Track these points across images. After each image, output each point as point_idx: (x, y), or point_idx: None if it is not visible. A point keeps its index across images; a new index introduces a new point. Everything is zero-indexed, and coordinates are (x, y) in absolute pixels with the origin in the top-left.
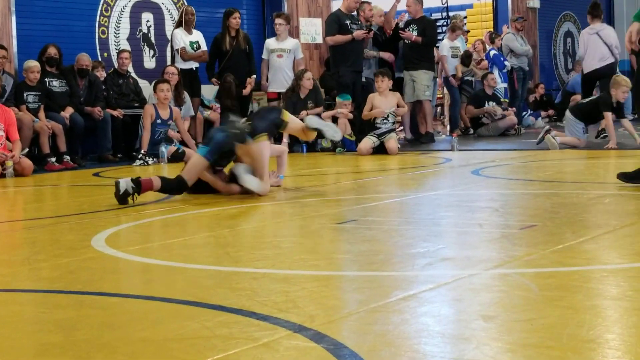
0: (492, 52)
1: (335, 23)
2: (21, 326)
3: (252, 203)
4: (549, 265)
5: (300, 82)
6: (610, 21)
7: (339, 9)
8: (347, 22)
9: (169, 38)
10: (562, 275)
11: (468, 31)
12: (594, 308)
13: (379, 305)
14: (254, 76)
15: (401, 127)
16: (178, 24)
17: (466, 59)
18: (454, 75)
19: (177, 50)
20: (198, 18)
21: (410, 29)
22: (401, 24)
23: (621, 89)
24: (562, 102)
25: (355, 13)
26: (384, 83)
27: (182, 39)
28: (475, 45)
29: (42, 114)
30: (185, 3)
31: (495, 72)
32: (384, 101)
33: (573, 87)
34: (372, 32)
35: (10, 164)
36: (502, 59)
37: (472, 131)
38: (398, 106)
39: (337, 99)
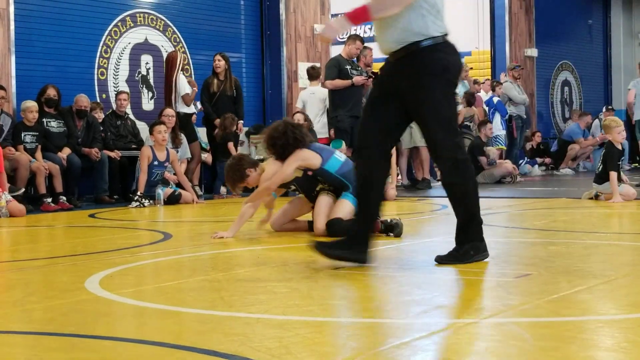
0: (495, 99)
1: (335, 68)
2: None
3: (247, 247)
4: (544, 315)
5: None
6: (606, 45)
7: (340, 54)
8: (348, 67)
9: None
10: (557, 326)
11: (471, 68)
12: (588, 359)
13: (373, 353)
14: (241, 121)
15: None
16: (178, 69)
17: (471, 97)
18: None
19: (182, 96)
20: (197, 61)
21: None
22: None
23: (615, 130)
24: (558, 151)
25: (355, 59)
26: None
27: (185, 85)
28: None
29: (39, 154)
30: (185, 46)
31: (497, 119)
32: None
33: (570, 136)
34: (372, 78)
35: (4, 204)
36: (504, 106)
37: None
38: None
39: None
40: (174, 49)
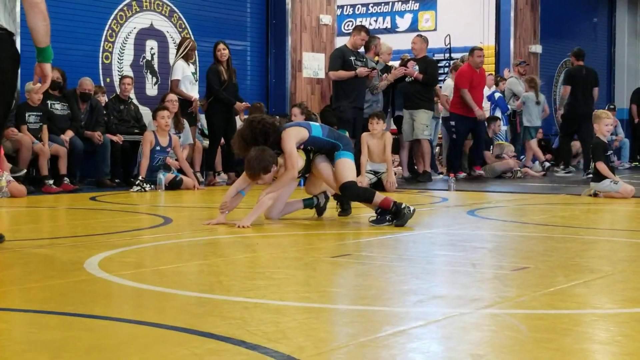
0: (497, 95)
1: (339, 58)
2: (8, 345)
3: (247, 233)
4: (540, 307)
5: (290, 117)
6: (610, 43)
7: (345, 45)
8: (352, 58)
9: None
10: (552, 318)
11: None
12: (582, 352)
13: (369, 340)
14: (245, 102)
15: (399, 166)
16: (179, 56)
17: None
18: None
19: (172, 81)
20: (201, 48)
21: (412, 67)
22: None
23: (603, 121)
24: (559, 147)
25: (362, 50)
26: (379, 126)
27: (184, 70)
28: None
29: (45, 135)
30: (190, 33)
31: (498, 115)
32: (375, 143)
33: None
34: (376, 70)
35: (4, 184)
36: (505, 102)
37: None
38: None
39: None
40: (194, 38)
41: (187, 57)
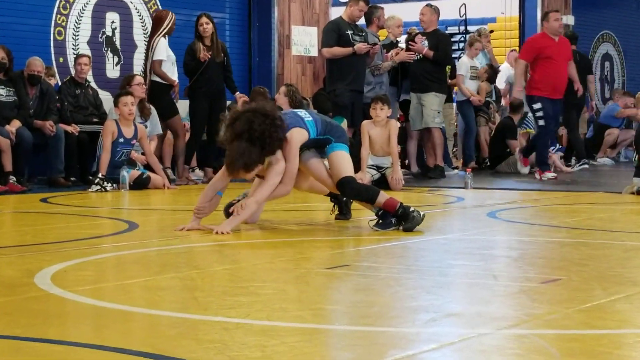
0: None
1: (334, 32)
2: None
3: (226, 241)
4: (574, 326)
5: (275, 98)
6: None
7: (341, 17)
8: (349, 32)
9: (137, 43)
10: (588, 339)
11: (491, 31)
12: None
13: None
14: (238, 93)
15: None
16: (162, 32)
17: (493, 75)
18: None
19: (154, 61)
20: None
21: (421, 43)
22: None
23: None
24: (594, 137)
25: (364, 22)
26: (383, 112)
27: (167, 50)
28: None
29: None
30: (158, 3)
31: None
32: (378, 133)
33: (607, 119)
34: (378, 46)
35: None
36: None
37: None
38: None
39: None
40: (162, 8)
41: (167, 34)
